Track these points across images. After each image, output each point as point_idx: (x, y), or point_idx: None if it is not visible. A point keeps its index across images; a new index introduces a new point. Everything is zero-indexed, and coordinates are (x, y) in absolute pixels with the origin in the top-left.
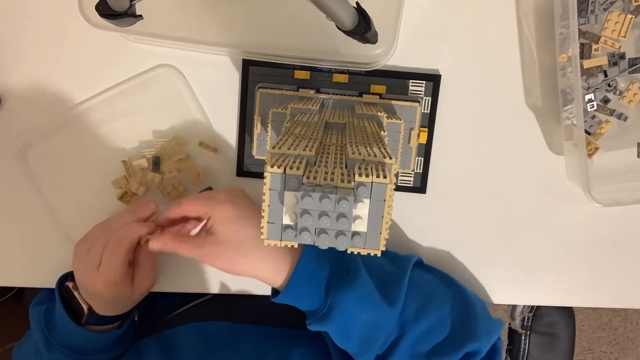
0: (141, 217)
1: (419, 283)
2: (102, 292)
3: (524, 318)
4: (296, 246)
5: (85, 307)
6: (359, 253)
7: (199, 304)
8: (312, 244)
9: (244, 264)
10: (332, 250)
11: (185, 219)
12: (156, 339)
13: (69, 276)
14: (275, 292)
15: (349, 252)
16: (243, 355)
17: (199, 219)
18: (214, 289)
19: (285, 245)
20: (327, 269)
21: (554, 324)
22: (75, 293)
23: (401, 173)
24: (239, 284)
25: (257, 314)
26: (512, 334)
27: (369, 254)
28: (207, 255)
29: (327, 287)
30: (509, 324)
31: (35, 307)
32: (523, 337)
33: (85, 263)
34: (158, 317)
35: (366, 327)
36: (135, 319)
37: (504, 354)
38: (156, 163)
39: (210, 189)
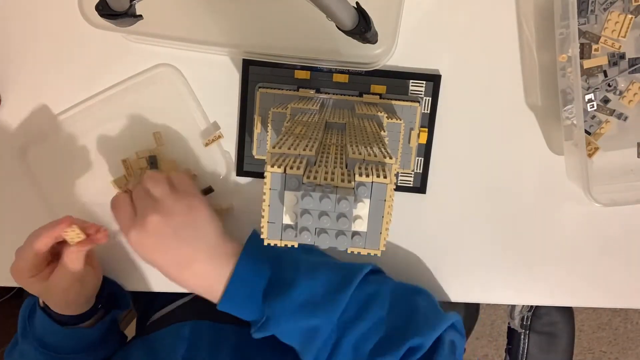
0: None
1: (364, 287)
2: (48, 295)
3: (523, 317)
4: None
5: (41, 302)
6: (301, 254)
7: (182, 305)
8: (312, 243)
9: (179, 282)
10: (273, 258)
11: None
12: (142, 341)
13: None
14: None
15: (348, 251)
16: (226, 355)
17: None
18: None
19: (227, 252)
20: (265, 279)
21: (554, 323)
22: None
23: (401, 173)
24: None
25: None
26: (512, 333)
27: (368, 254)
28: (133, 238)
29: (263, 297)
30: (509, 323)
31: (31, 297)
32: (522, 337)
33: (18, 274)
34: (147, 319)
35: (304, 332)
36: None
37: (460, 349)
38: (152, 162)
39: (210, 188)
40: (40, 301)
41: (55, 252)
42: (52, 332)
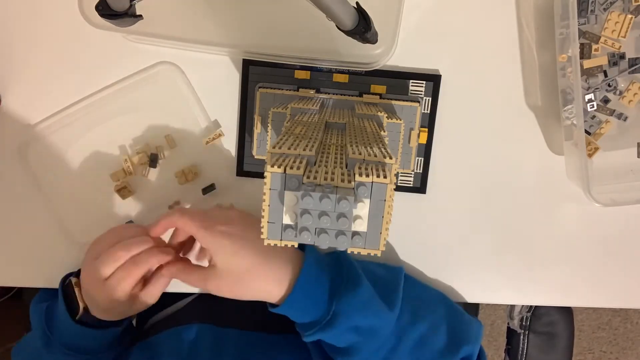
0: (158, 234)
1: (411, 288)
2: (103, 302)
3: (522, 318)
4: (296, 245)
5: (81, 305)
6: (353, 259)
7: (184, 307)
8: (312, 243)
9: (246, 292)
10: (330, 258)
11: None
12: (142, 345)
13: (73, 273)
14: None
15: (349, 251)
16: (227, 358)
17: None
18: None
19: (286, 259)
20: (328, 278)
21: (553, 323)
22: (76, 290)
23: (401, 173)
24: None
25: (239, 319)
26: (511, 333)
27: (368, 254)
28: (211, 288)
29: (330, 295)
30: (508, 323)
31: (36, 304)
32: (522, 337)
33: (94, 270)
34: (146, 321)
35: (363, 331)
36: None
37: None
38: (153, 160)
39: (212, 186)
40: (81, 309)
41: None
42: (86, 337)
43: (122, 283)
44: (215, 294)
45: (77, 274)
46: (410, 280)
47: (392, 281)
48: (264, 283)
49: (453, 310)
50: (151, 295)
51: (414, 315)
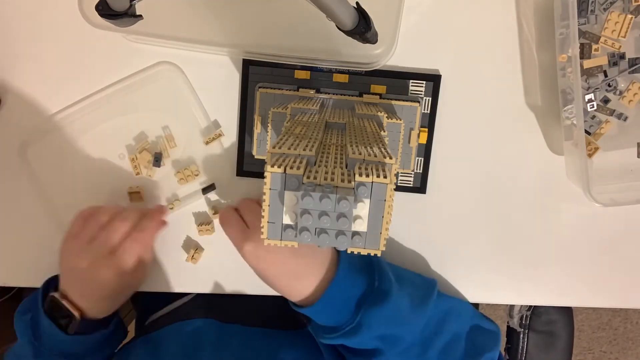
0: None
1: (437, 303)
2: (110, 281)
3: (522, 316)
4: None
5: (77, 314)
6: (387, 263)
7: (185, 303)
8: (312, 243)
9: (272, 281)
10: (363, 262)
11: None
12: (144, 340)
13: (49, 286)
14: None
15: (349, 251)
16: (229, 354)
17: None
18: (206, 288)
19: (320, 261)
20: (360, 287)
21: (553, 322)
22: (64, 302)
23: (401, 173)
24: (230, 285)
25: (242, 314)
26: (511, 332)
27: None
28: (247, 249)
29: (358, 303)
30: (507, 322)
31: (20, 316)
32: (521, 336)
33: (91, 252)
34: (146, 318)
35: (387, 337)
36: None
37: None
38: (157, 159)
39: (212, 186)
40: (77, 319)
41: None
42: (76, 343)
43: (131, 249)
44: (243, 258)
45: (47, 289)
46: (441, 293)
47: (424, 291)
48: (294, 281)
49: (476, 319)
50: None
51: (439, 326)
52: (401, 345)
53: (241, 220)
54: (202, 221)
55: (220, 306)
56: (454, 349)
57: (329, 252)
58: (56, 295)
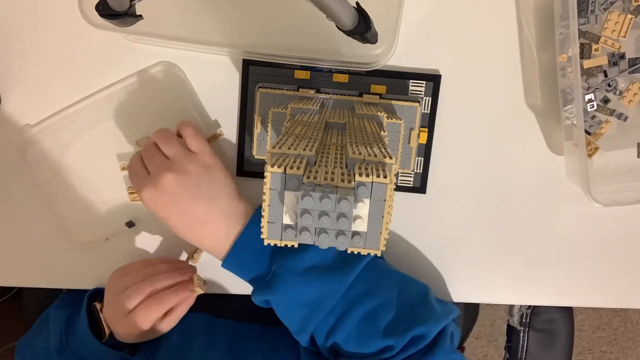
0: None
1: (374, 268)
2: (122, 334)
3: (522, 315)
4: (296, 245)
5: (107, 331)
6: None
7: None
8: (312, 244)
9: (189, 238)
10: None
11: None
12: None
13: (97, 294)
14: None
15: (349, 251)
16: (219, 348)
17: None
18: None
19: (232, 215)
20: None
21: (553, 320)
22: (101, 315)
23: (401, 173)
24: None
25: (233, 309)
26: (511, 331)
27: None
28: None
29: (272, 254)
30: (508, 320)
31: (58, 309)
32: (521, 334)
33: (117, 303)
34: None
35: (307, 304)
36: None
37: (456, 340)
38: None
39: None
40: (107, 334)
41: None
42: (99, 355)
43: (144, 320)
44: (144, 205)
45: (100, 295)
46: (383, 265)
47: (356, 256)
48: (197, 227)
49: (413, 291)
50: (169, 326)
51: (368, 290)
52: (325, 307)
53: (143, 166)
54: None
55: (210, 301)
56: (382, 316)
57: (238, 202)
58: (98, 306)
